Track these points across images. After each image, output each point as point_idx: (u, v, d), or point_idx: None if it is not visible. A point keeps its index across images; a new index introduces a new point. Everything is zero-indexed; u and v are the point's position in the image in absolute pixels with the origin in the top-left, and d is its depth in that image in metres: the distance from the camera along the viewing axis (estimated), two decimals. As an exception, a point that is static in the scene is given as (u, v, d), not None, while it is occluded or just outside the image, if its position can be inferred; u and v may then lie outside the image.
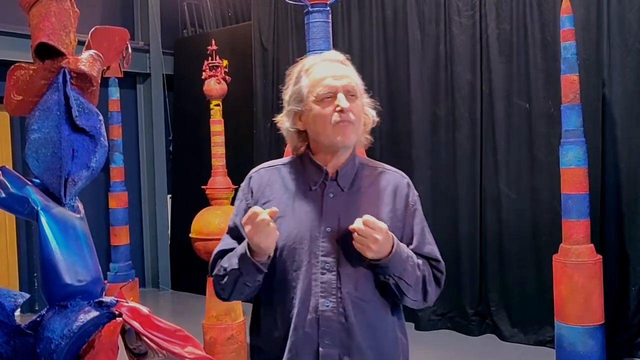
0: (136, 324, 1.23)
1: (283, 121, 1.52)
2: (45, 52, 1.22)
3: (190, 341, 1.31)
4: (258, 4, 6.05)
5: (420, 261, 1.47)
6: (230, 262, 1.43)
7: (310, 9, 2.87)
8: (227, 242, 1.52)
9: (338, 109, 1.42)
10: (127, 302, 1.25)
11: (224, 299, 1.50)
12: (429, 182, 4.87)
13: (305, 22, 2.94)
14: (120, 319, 1.21)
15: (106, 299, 1.22)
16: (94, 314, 1.17)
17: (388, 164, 1.61)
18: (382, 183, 1.51)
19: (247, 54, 6.07)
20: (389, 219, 1.45)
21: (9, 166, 1.22)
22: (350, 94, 1.45)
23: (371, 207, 1.45)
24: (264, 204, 1.47)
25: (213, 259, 1.52)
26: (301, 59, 1.55)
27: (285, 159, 1.58)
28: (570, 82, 3.46)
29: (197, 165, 5.89)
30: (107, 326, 1.19)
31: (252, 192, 1.52)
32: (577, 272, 3.38)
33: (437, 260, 1.52)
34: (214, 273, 1.49)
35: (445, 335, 4.77)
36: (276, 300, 1.45)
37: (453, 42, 4.78)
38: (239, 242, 1.47)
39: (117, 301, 1.23)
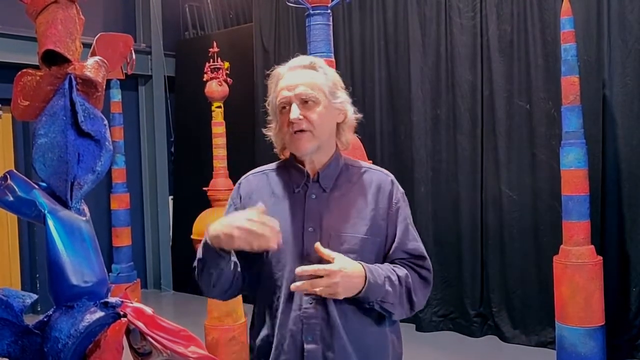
0: (141, 324, 1.25)
1: (271, 127, 1.60)
2: (52, 58, 1.24)
3: (193, 341, 1.33)
4: (259, 5, 6.07)
5: (402, 273, 1.46)
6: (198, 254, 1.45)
7: (311, 12, 2.89)
8: None
9: (290, 120, 1.47)
10: (132, 303, 1.27)
11: (206, 295, 1.53)
12: (430, 182, 4.89)
13: (306, 24, 2.96)
14: (125, 319, 1.23)
15: (111, 299, 1.24)
16: (100, 314, 1.19)
17: (389, 164, 1.63)
18: (365, 182, 1.53)
19: (249, 56, 6.10)
20: (371, 218, 1.48)
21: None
22: (304, 102, 1.47)
23: (353, 206, 1.49)
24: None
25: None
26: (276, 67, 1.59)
27: (274, 164, 1.63)
28: (570, 84, 3.48)
29: (199, 166, 5.91)
30: (112, 326, 1.21)
31: (240, 198, 1.57)
32: (577, 274, 3.40)
33: (422, 258, 1.52)
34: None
35: (447, 337, 4.78)
36: (264, 299, 1.49)
37: (454, 43, 4.80)
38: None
39: (122, 302, 1.26)
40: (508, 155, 4.57)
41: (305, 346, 1.41)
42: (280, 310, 1.45)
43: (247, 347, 4.51)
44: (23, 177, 1.22)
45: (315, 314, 1.42)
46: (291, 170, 1.54)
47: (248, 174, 1.63)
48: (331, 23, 2.96)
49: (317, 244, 1.39)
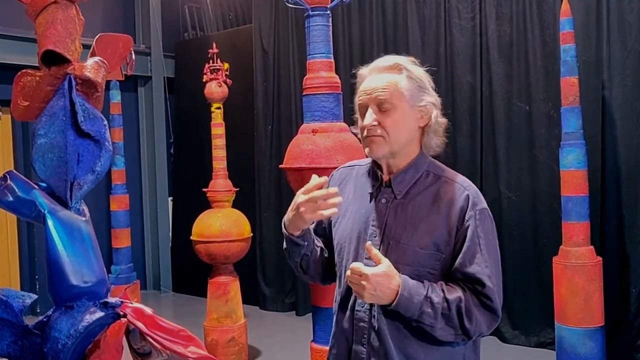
0: (140, 325, 1.25)
1: (357, 126, 1.58)
2: (52, 59, 1.25)
3: (193, 341, 1.33)
4: (259, 6, 6.08)
5: (454, 296, 1.37)
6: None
7: (310, 13, 2.90)
8: None
9: (363, 125, 1.47)
10: (132, 303, 1.27)
11: (306, 281, 1.66)
12: (430, 184, 4.88)
13: (306, 25, 2.96)
14: (125, 319, 1.23)
15: (111, 299, 1.24)
16: (100, 314, 1.19)
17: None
18: (439, 194, 1.44)
19: (248, 57, 6.10)
20: (436, 232, 1.41)
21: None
22: (381, 107, 1.43)
23: (419, 218, 1.43)
24: None
25: None
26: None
27: (368, 159, 1.59)
28: (569, 85, 3.48)
29: (198, 167, 5.91)
30: (112, 326, 1.21)
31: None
32: (577, 274, 3.40)
33: (480, 284, 1.38)
34: None
35: (446, 337, 4.78)
36: (335, 291, 1.58)
37: (453, 44, 4.81)
38: (320, 236, 1.61)
39: (121, 302, 1.25)
40: (507, 156, 4.57)
41: (353, 346, 1.45)
42: (337, 307, 1.53)
43: (246, 348, 4.53)
44: (23, 177, 1.22)
45: (365, 318, 1.44)
46: (373, 170, 1.54)
47: (341, 166, 1.68)
48: (330, 24, 2.96)
49: (368, 244, 1.39)
